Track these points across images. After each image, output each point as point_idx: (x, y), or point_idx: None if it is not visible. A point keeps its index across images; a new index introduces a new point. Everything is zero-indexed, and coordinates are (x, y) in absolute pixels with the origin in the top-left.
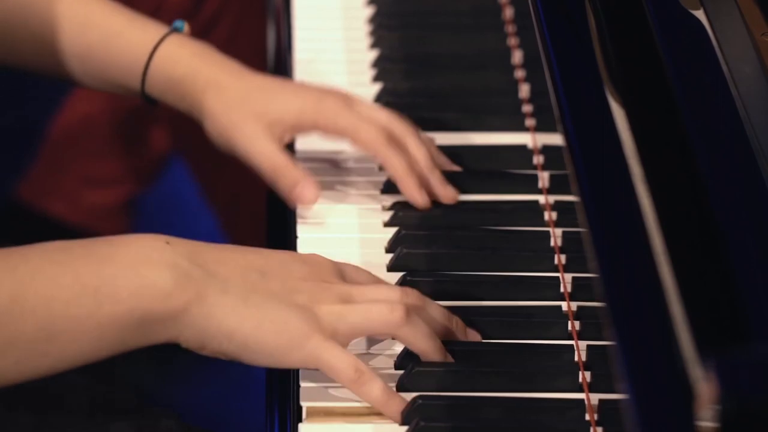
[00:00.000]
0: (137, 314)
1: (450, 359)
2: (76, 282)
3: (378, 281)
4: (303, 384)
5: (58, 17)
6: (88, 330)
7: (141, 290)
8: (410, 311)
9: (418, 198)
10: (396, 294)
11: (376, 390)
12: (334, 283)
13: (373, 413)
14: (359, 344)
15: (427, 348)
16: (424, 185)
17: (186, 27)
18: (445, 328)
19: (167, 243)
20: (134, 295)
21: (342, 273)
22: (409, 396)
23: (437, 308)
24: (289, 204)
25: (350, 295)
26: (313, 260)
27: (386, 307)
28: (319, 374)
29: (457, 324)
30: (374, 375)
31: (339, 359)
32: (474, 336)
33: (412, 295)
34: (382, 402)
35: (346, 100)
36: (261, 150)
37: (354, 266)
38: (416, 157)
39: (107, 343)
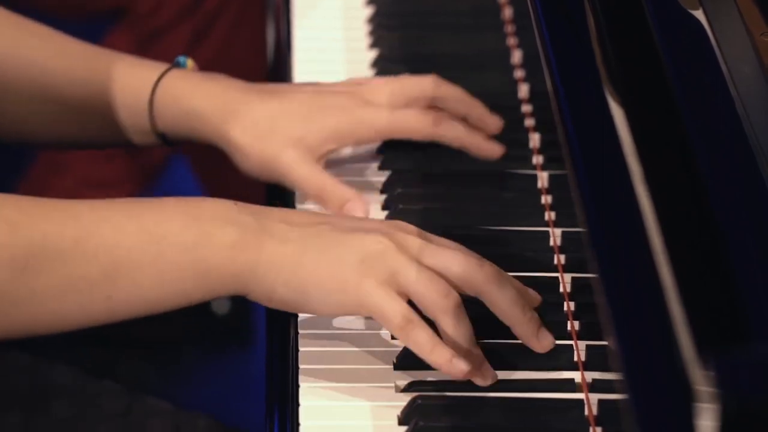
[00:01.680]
0: (199, 265)
1: (487, 370)
2: (140, 230)
3: (458, 247)
4: (303, 384)
5: (62, 71)
6: (150, 276)
7: (204, 242)
8: (459, 306)
9: (492, 151)
10: (466, 265)
11: (422, 338)
12: (406, 235)
13: (373, 413)
14: (358, 343)
15: (460, 350)
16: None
17: (190, 63)
18: (513, 315)
19: (235, 204)
20: (197, 246)
21: (421, 236)
22: (409, 396)
23: (512, 293)
24: None
25: (417, 249)
26: (394, 223)
27: (442, 288)
28: (318, 374)
29: (531, 319)
30: (423, 324)
31: (389, 305)
32: (545, 341)
33: (488, 268)
34: (428, 350)
35: (366, 99)
36: (304, 176)
37: (440, 238)
38: (467, 111)
39: (170, 293)
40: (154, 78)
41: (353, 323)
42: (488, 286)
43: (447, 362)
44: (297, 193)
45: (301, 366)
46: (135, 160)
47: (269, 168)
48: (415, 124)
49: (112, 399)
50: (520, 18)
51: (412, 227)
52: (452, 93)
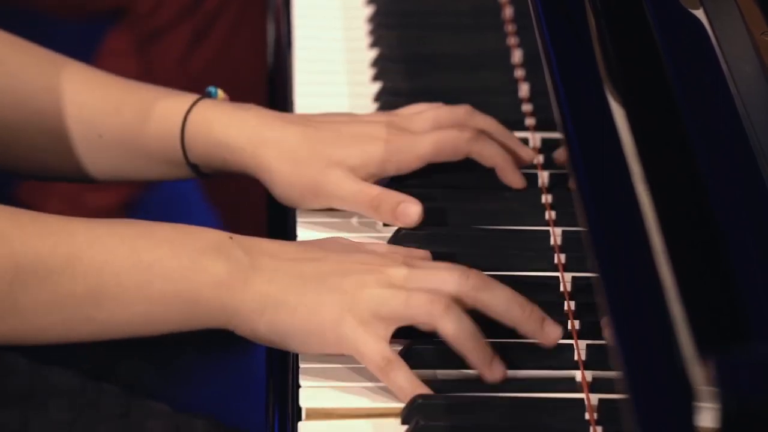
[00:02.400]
0: (186, 296)
1: (497, 365)
2: (131, 255)
3: (444, 266)
4: (303, 384)
5: (94, 102)
6: (135, 302)
7: (193, 274)
8: (452, 306)
9: (519, 182)
10: (452, 280)
11: (401, 379)
12: (391, 267)
13: (373, 413)
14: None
15: (466, 347)
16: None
17: (221, 93)
18: (513, 315)
19: (230, 238)
20: (186, 277)
21: (409, 260)
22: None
23: (505, 293)
24: (394, 225)
25: (402, 279)
26: (381, 248)
27: (426, 297)
28: (319, 374)
29: (532, 314)
30: (402, 364)
31: (367, 346)
32: (552, 333)
33: (473, 278)
34: (408, 392)
35: (402, 128)
36: (351, 188)
37: (424, 253)
38: (499, 138)
39: (154, 320)
40: (185, 108)
41: None
42: (479, 293)
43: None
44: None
45: (301, 365)
46: None
47: (314, 190)
48: (455, 142)
49: (111, 400)
50: (520, 17)
51: (400, 252)
52: (486, 122)
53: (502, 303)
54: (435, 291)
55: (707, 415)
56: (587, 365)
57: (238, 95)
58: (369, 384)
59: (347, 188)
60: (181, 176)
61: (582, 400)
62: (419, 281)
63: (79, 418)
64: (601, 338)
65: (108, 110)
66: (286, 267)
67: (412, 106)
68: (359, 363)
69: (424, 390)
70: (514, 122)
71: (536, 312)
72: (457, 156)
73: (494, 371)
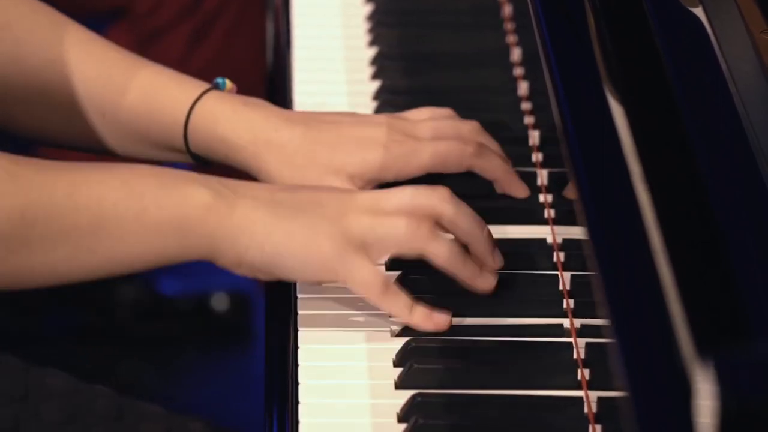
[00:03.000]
0: (177, 222)
1: (486, 275)
2: (124, 186)
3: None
4: (302, 382)
5: (99, 79)
6: (133, 231)
7: (183, 200)
8: (435, 230)
9: (521, 191)
10: (420, 195)
11: (400, 303)
12: (361, 193)
13: (373, 411)
14: (357, 340)
15: (457, 266)
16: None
17: (228, 84)
18: (474, 236)
19: (204, 175)
20: (177, 204)
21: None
22: (408, 393)
23: (467, 210)
24: None
25: (377, 202)
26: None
27: (413, 223)
28: (318, 373)
29: (488, 238)
30: (398, 290)
31: (366, 274)
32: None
33: (440, 194)
34: (406, 314)
35: (406, 134)
36: None
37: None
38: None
39: (151, 249)
40: (192, 99)
41: (353, 320)
42: (445, 205)
43: (427, 322)
44: None
45: (300, 363)
46: (132, 161)
47: None
48: (457, 156)
49: (105, 402)
50: (519, 16)
51: (359, 186)
52: (492, 144)
53: (466, 220)
54: (412, 213)
55: (707, 414)
56: (586, 364)
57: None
58: (369, 382)
59: None
60: (182, 162)
61: (581, 398)
62: (388, 201)
63: (72, 419)
64: (600, 337)
65: (113, 90)
66: (266, 196)
67: (418, 110)
68: (358, 361)
69: (422, 311)
70: (512, 121)
71: (491, 238)
72: (459, 169)
73: (485, 281)
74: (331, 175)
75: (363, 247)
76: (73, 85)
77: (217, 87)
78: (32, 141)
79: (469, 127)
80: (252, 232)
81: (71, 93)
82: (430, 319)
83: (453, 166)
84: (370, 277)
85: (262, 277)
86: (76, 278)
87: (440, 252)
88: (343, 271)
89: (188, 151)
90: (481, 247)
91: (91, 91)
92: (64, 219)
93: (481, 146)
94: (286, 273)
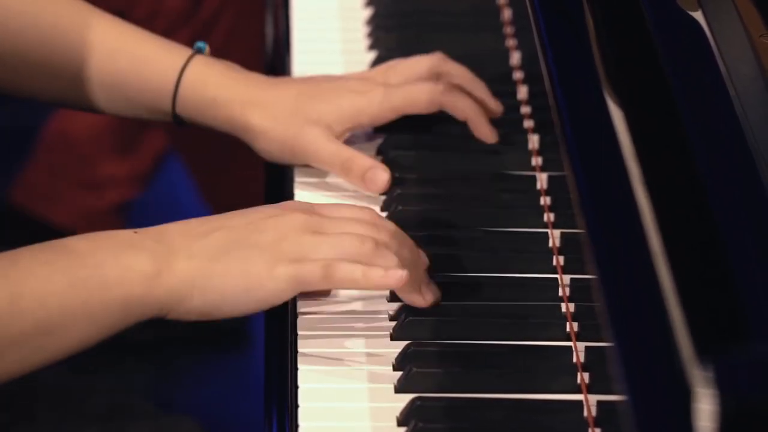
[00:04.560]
0: (123, 299)
1: (427, 289)
2: (65, 276)
3: (353, 213)
4: (302, 385)
5: (88, 45)
6: (82, 319)
7: (124, 275)
8: (380, 244)
9: (490, 136)
10: (366, 228)
11: (348, 269)
12: (298, 217)
13: (372, 414)
14: (356, 344)
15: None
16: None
17: (207, 48)
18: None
19: (135, 232)
20: (119, 281)
21: (315, 209)
22: (408, 397)
23: (408, 246)
24: (364, 190)
25: (320, 226)
26: (283, 204)
27: (356, 239)
28: (318, 375)
29: (423, 265)
30: (341, 260)
31: (305, 269)
32: (433, 294)
33: (384, 230)
34: (359, 275)
35: (377, 82)
36: (326, 149)
37: (331, 204)
38: (471, 90)
39: (99, 330)
40: (180, 64)
41: (352, 323)
42: (378, 223)
43: (382, 279)
44: (295, 188)
45: (299, 367)
46: (129, 161)
47: (291, 147)
48: (428, 94)
49: (96, 402)
50: (519, 19)
51: (293, 204)
52: (458, 70)
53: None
54: (353, 234)
55: (706, 417)
56: (586, 367)
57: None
58: (368, 385)
59: (322, 148)
60: (158, 119)
61: (581, 401)
62: (339, 226)
63: (63, 419)
64: (600, 340)
65: (102, 55)
66: (200, 242)
67: (388, 62)
68: (358, 365)
69: (374, 267)
70: (513, 123)
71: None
72: (431, 108)
73: (426, 296)
74: (310, 126)
75: (300, 261)
76: (61, 50)
77: (199, 51)
78: (15, 95)
79: (437, 57)
80: (192, 285)
81: (58, 57)
82: (386, 276)
83: (424, 106)
84: (310, 272)
85: (216, 318)
86: (27, 373)
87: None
88: (286, 283)
89: (173, 113)
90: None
91: (78, 56)
92: (10, 328)
93: (451, 86)
94: (232, 308)
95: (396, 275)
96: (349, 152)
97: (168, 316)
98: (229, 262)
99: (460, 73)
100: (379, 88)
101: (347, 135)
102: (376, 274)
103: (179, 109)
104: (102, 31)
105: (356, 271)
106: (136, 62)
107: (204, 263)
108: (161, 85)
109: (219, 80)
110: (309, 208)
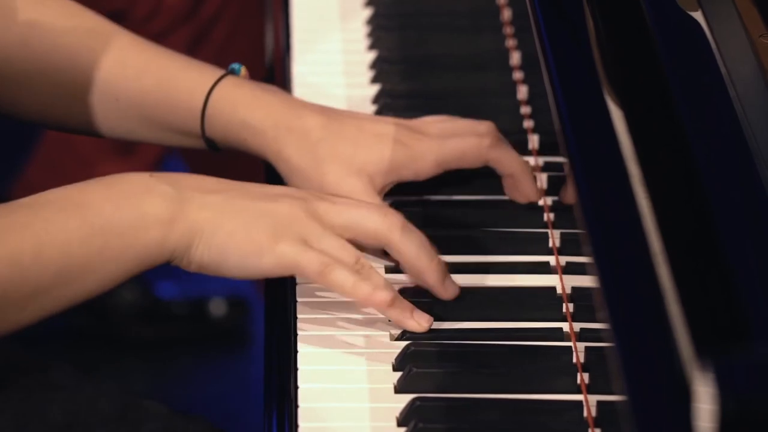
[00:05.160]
0: (138, 245)
1: (450, 282)
2: (83, 224)
3: (366, 204)
4: (302, 385)
5: (113, 64)
6: (98, 267)
7: (139, 220)
8: (406, 224)
9: (534, 194)
10: (368, 216)
11: (341, 276)
12: (314, 198)
13: (372, 415)
14: (356, 344)
15: (424, 262)
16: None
17: (243, 70)
18: (421, 263)
19: (150, 176)
20: (134, 226)
21: (336, 202)
22: (408, 398)
23: (419, 238)
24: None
25: (327, 213)
26: (307, 190)
27: (379, 211)
28: (318, 375)
29: (438, 266)
30: (341, 265)
31: (303, 256)
32: (451, 289)
33: (393, 216)
34: (349, 286)
35: (419, 132)
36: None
37: (354, 202)
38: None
39: (115, 274)
40: (210, 83)
41: (352, 323)
42: (394, 234)
43: (369, 295)
44: None
45: (299, 367)
46: (129, 161)
47: (328, 191)
48: (475, 148)
49: (109, 401)
50: (518, 19)
51: (320, 195)
52: (508, 152)
53: (413, 248)
54: (355, 227)
55: (706, 417)
56: (586, 367)
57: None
58: (368, 385)
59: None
60: (194, 146)
61: (581, 401)
62: (339, 215)
63: (76, 419)
64: (599, 340)
65: (128, 75)
66: (213, 196)
67: (431, 116)
68: (357, 365)
69: (364, 283)
70: (512, 125)
71: (442, 265)
72: (477, 163)
73: (448, 289)
74: (353, 175)
75: (302, 243)
76: (85, 71)
77: (233, 72)
78: (36, 124)
79: (485, 125)
80: (200, 235)
81: (83, 78)
82: (372, 296)
83: (471, 161)
84: (307, 259)
85: (210, 273)
86: (47, 317)
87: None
88: (283, 261)
89: (203, 135)
90: (429, 278)
91: (103, 76)
92: (32, 282)
93: (498, 139)
94: (230, 269)
95: (380, 296)
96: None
97: (173, 262)
98: (238, 224)
99: (509, 154)
100: (425, 140)
101: (387, 189)
102: (363, 290)
103: (209, 132)
104: (128, 50)
105: (348, 281)
106: (163, 82)
107: (215, 216)
108: (190, 105)
109: (250, 101)
110: (330, 199)
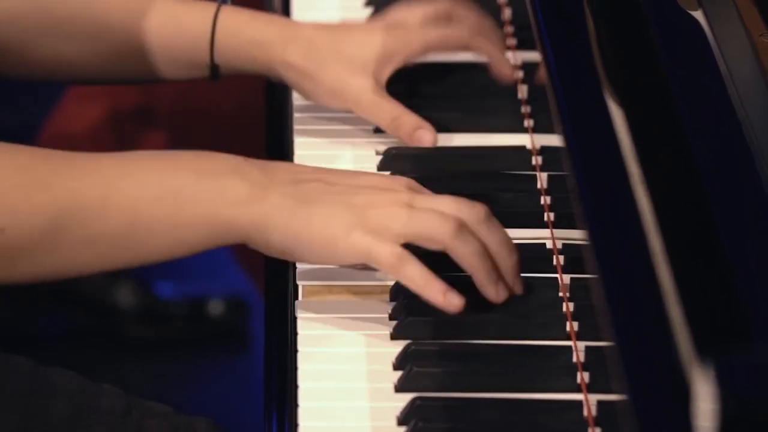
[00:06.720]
0: (211, 218)
1: (502, 286)
2: (160, 185)
3: (449, 196)
4: (302, 385)
5: (116, 8)
6: (166, 229)
7: (217, 195)
8: (463, 227)
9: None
10: (458, 207)
11: (415, 273)
12: (399, 190)
13: (372, 414)
14: (356, 343)
15: (476, 266)
16: None
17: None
18: (502, 259)
19: (244, 159)
20: (211, 200)
21: (415, 187)
22: (408, 397)
23: (501, 234)
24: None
25: (411, 201)
26: (395, 178)
27: (439, 216)
28: (318, 375)
29: (515, 266)
30: (415, 260)
31: (377, 247)
32: (518, 289)
33: (478, 211)
34: (422, 284)
35: (401, 24)
36: (377, 103)
37: (429, 193)
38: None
39: (182, 243)
40: (212, 12)
41: (352, 323)
42: (480, 227)
43: (440, 296)
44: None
45: (299, 367)
46: None
47: (339, 95)
48: (459, 34)
49: (111, 400)
50: (519, 19)
51: (403, 179)
52: (470, 16)
53: (496, 243)
54: (442, 213)
55: (706, 416)
56: (586, 367)
57: (236, 99)
58: (368, 384)
59: (371, 100)
60: (195, 77)
61: (581, 401)
62: (427, 203)
63: (78, 418)
64: (600, 339)
65: (135, 16)
66: (297, 186)
67: (400, 6)
68: (358, 364)
69: (437, 283)
70: (512, 123)
71: (517, 268)
72: (460, 48)
73: (500, 291)
74: (358, 75)
75: (382, 232)
76: (95, 14)
77: (224, 2)
78: (42, 79)
79: (446, 5)
80: (276, 221)
81: (93, 22)
82: (443, 298)
83: (456, 44)
84: (382, 251)
85: (288, 258)
86: (107, 270)
87: (459, 249)
88: (356, 251)
89: (211, 62)
90: (507, 274)
91: (113, 19)
92: (97, 224)
93: (477, 28)
94: (305, 256)
95: (452, 301)
96: (398, 110)
97: (250, 244)
98: (314, 213)
99: (472, 18)
100: (410, 29)
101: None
102: (435, 290)
103: (217, 57)
104: None
105: (421, 278)
106: (168, 17)
107: (293, 203)
108: (198, 34)
109: (253, 21)
110: (417, 188)
